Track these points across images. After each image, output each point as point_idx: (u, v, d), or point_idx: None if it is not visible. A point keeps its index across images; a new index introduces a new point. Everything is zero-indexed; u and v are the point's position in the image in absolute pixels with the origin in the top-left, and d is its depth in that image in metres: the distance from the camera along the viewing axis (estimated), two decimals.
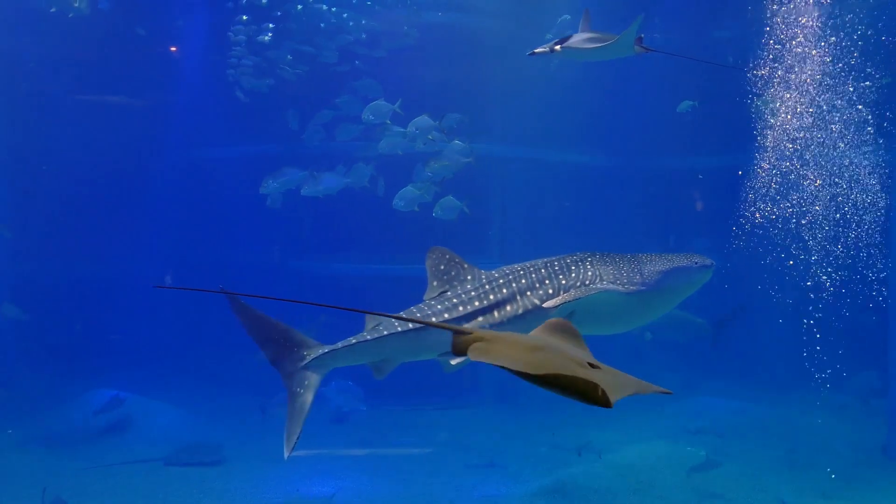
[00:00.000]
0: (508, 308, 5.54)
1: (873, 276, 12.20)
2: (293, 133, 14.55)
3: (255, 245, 16.18)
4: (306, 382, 5.30)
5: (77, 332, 15.51)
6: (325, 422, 13.07)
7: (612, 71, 16.92)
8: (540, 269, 5.72)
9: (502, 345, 2.59)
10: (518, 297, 5.57)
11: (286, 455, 5.10)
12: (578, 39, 6.71)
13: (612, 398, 2.29)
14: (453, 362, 5.25)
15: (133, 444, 12.18)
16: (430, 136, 11.74)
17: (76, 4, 12.13)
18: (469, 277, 5.72)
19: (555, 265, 5.75)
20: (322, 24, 14.65)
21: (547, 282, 5.62)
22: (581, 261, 5.77)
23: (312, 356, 5.34)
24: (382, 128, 12.14)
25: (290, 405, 5.30)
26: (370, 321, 5.51)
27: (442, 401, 13.50)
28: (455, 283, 5.73)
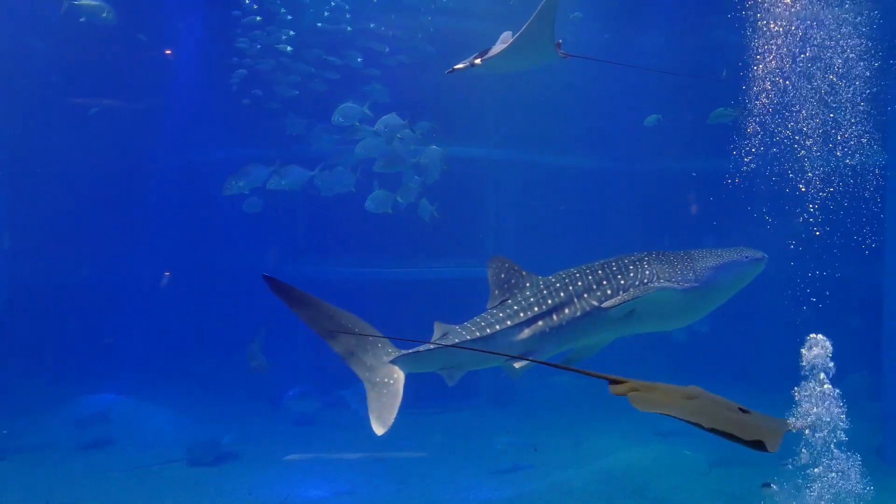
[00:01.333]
0: (567, 311, 5.71)
1: (865, 278, 12.26)
2: (291, 136, 14.52)
3: (251, 249, 16.14)
4: (395, 375, 5.48)
5: (71, 336, 15.45)
6: (288, 423, 13.18)
7: (610, 72, 16.97)
8: (597, 271, 5.85)
9: (660, 394, 2.98)
10: (576, 300, 5.72)
11: (378, 432, 5.37)
12: (497, 50, 6.65)
13: (773, 448, 2.75)
14: (517, 366, 5.52)
15: (127, 449, 12.15)
16: (398, 136, 11.79)
17: (104, 15, 12.33)
18: (528, 284, 5.90)
19: (612, 266, 5.89)
20: (319, 24, 14.64)
21: (605, 283, 5.77)
22: (638, 260, 5.92)
23: (397, 354, 5.53)
24: (352, 130, 12.20)
25: (376, 393, 5.47)
26: (438, 329, 5.74)
27: (437, 404, 13.48)
28: (515, 290, 5.90)
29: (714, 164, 15.78)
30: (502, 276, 5.98)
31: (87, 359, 14.84)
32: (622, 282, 5.76)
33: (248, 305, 15.21)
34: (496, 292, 5.97)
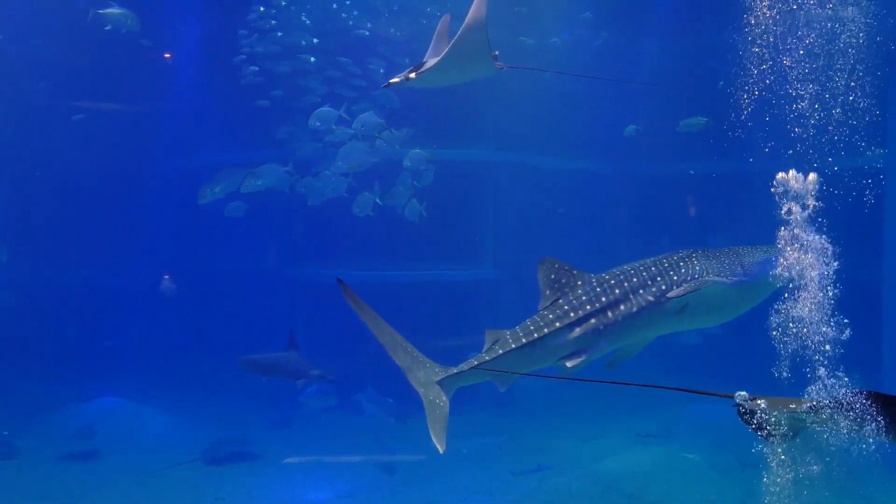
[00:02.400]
0: (623, 307, 5.79)
1: (863, 279, 12.25)
2: (289, 139, 14.54)
3: (250, 252, 16.15)
4: (443, 396, 5.73)
5: (71, 338, 15.45)
6: (293, 424, 13.25)
7: (609, 73, 16.99)
8: (650, 268, 5.96)
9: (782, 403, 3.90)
10: (631, 296, 5.81)
11: (441, 449, 5.72)
12: (432, 63, 6.58)
13: None
14: (569, 364, 5.64)
15: (127, 452, 12.13)
16: (377, 136, 11.82)
17: (129, 22, 12.60)
18: (580, 283, 5.95)
19: (664, 262, 6.01)
20: (306, 22, 14.67)
21: (658, 279, 5.88)
22: (687, 257, 6.05)
23: (443, 375, 5.74)
24: (329, 133, 12.27)
25: (430, 410, 5.79)
26: (489, 337, 5.82)
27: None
28: (566, 289, 5.94)
29: (714, 165, 15.88)
30: (552, 276, 6.03)
31: (86, 361, 14.85)
32: (675, 277, 5.88)
33: (247, 307, 15.26)
34: (547, 293, 6.02)
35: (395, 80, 6.79)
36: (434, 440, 5.69)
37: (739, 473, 10.65)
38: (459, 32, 6.24)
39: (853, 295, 6.35)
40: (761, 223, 6.23)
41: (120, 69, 15.50)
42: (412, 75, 6.67)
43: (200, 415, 13.82)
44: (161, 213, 15.96)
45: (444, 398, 5.70)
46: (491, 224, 15.88)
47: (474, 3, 6.15)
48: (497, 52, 6.74)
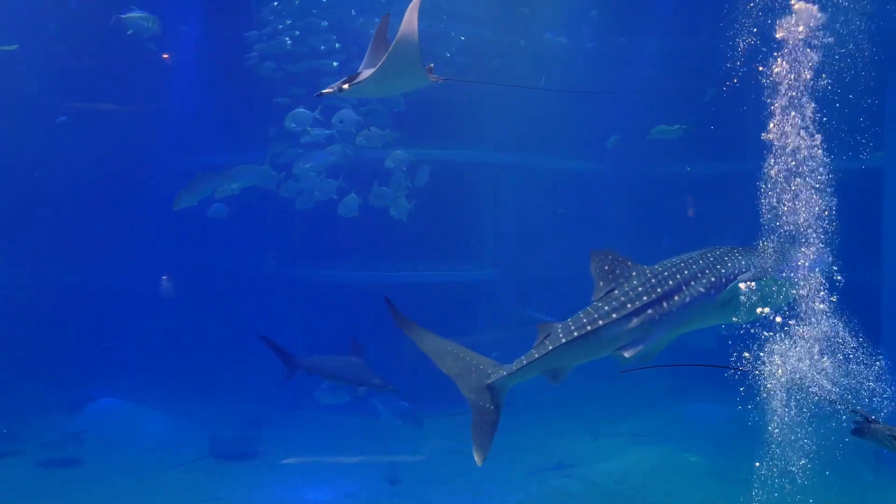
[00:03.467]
0: (676, 298, 5.90)
1: (860, 279, 12.24)
2: (287, 140, 14.53)
3: (249, 253, 16.14)
4: (494, 401, 5.67)
5: (69, 340, 15.44)
6: (270, 427, 13.21)
7: (606, 77, 17.01)
8: (698, 261, 6.10)
9: None
10: (684, 288, 5.94)
11: (479, 462, 5.51)
12: (366, 75, 6.48)
13: None
14: (627, 354, 5.67)
15: (126, 452, 12.13)
16: (356, 133, 11.87)
17: (149, 25, 12.74)
18: (634, 273, 6.02)
19: (709, 256, 6.15)
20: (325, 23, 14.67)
21: (708, 271, 6.02)
22: (730, 252, 6.21)
23: (496, 377, 5.65)
24: (303, 135, 12.29)
25: (479, 418, 5.69)
26: (542, 331, 5.78)
27: (436, 408, 13.48)
28: (621, 280, 5.99)
29: (714, 167, 15.90)
30: (606, 267, 6.07)
31: (85, 362, 14.85)
32: (722, 270, 6.03)
33: (247, 308, 15.26)
34: (601, 284, 6.03)
35: (328, 90, 6.61)
36: (474, 450, 5.62)
37: (740, 476, 10.66)
38: (392, 47, 6.15)
39: (853, 296, 6.45)
40: (760, 224, 6.32)
41: (120, 70, 15.51)
42: (345, 86, 6.55)
43: (199, 415, 13.81)
44: (160, 214, 15.95)
45: (494, 403, 5.66)
46: (490, 225, 15.88)
47: (405, 17, 6.06)
48: (433, 65, 6.69)
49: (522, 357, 5.68)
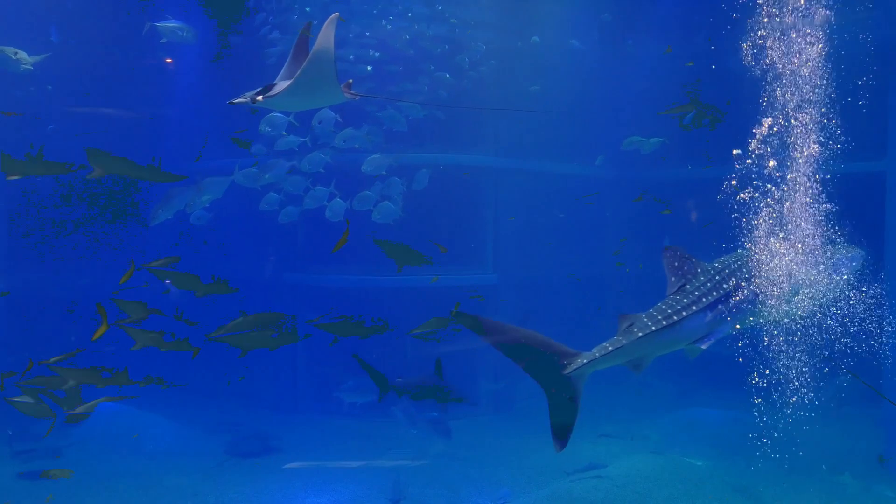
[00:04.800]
0: (741, 294, 6.20)
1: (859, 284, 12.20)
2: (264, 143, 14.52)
3: (249, 258, 16.10)
4: (571, 390, 5.61)
5: (70, 344, 15.39)
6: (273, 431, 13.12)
7: (606, 79, 17.00)
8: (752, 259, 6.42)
9: None
10: (745, 284, 6.25)
11: (557, 450, 5.58)
12: (280, 88, 6.34)
13: None
14: (703, 346, 5.96)
15: (128, 458, 12.09)
16: (334, 133, 12.02)
17: (184, 34, 12.88)
18: (699, 270, 6.34)
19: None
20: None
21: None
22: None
23: (574, 366, 5.58)
24: (278, 139, 12.30)
25: (555, 409, 5.64)
26: (623, 321, 5.87)
27: (437, 411, 13.44)
28: (690, 275, 6.31)
29: (714, 169, 15.83)
30: (676, 264, 6.38)
31: (85, 364, 14.78)
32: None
33: (247, 310, 15.18)
34: (673, 279, 6.34)
35: (240, 99, 6.53)
36: (553, 440, 5.62)
37: (739, 478, 10.63)
38: (306, 63, 5.98)
39: (854, 296, 6.57)
40: (763, 225, 6.38)
41: (121, 73, 15.52)
42: (259, 98, 6.43)
43: (203, 421, 13.78)
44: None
45: (572, 392, 5.61)
46: (491, 229, 15.85)
47: (322, 32, 5.89)
48: (351, 81, 6.57)
49: (606, 343, 5.71)
